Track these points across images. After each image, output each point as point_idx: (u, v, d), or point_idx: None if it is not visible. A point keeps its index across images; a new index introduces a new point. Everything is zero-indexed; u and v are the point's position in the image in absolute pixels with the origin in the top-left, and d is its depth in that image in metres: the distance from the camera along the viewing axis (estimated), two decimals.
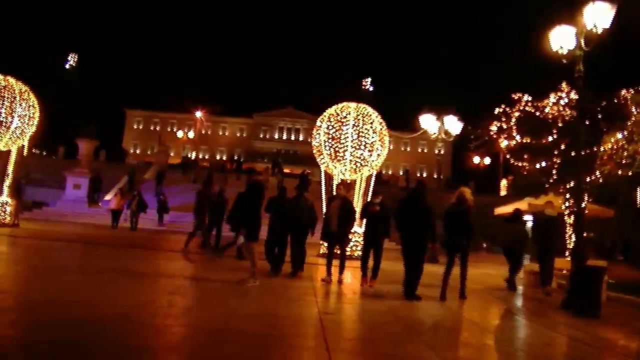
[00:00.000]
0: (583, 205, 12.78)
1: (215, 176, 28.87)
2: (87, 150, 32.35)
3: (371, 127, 17.10)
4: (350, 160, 17.00)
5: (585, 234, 13.01)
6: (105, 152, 44.60)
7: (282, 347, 5.68)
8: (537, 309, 10.53)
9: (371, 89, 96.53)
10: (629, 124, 14.27)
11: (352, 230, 16.08)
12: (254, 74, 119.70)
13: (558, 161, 14.31)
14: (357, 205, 16.59)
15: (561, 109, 14.44)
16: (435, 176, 74.96)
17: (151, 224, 25.17)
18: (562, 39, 11.21)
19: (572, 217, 14.24)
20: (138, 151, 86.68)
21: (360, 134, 16.92)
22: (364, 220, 11.31)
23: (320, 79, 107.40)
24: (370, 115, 17.37)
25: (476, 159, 46.38)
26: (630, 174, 14.70)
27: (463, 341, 6.91)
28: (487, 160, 46.63)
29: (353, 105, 17.62)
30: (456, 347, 6.51)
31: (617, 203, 19.59)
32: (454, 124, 23.16)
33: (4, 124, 18.95)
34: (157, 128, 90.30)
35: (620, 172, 14.73)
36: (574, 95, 14.04)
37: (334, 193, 12.75)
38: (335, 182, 16.55)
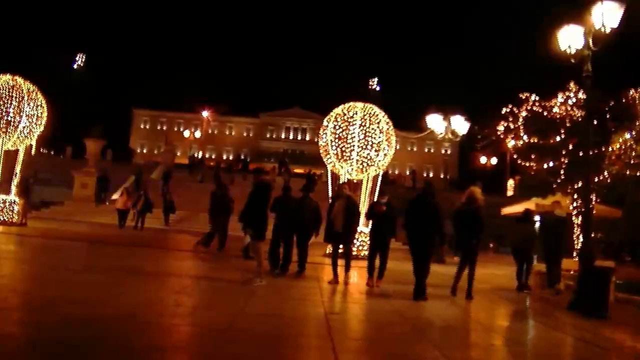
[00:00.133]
0: (591, 205, 12.71)
1: (222, 176, 28.90)
2: (95, 150, 32.47)
3: (378, 126, 17.06)
4: (357, 160, 16.97)
5: (592, 235, 12.94)
6: (112, 151, 44.77)
7: (288, 347, 5.67)
8: (545, 309, 10.48)
9: (378, 88, 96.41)
10: (638, 123, 14.21)
11: (358, 230, 16.11)
12: (260, 74, 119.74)
13: (566, 161, 14.26)
14: (364, 205, 16.58)
15: (569, 108, 14.38)
16: (442, 176, 74.96)
17: (157, 224, 25.17)
18: (570, 39, 11.16)
19: (580, 218, 14.17)
20: (145, 151, 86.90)
21: (367, 133, 16.88)
22: (370, 220, 11.27)
23: (326, 79, 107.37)
24: (377, 115, 17.33)
25: (483, 159, 46.28)
26: (638, 174, 14.63)
27: (470, 342, 6.89)
28: (494, 160, 46.51)
29: (360, 105, 17.58)
30: (463, 347, 6.48)
31: (625, 203, 19.51)
32: (460, 124, 23.05)
33: (12, 123, 19.05)
34: (164, 128, 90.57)
35: (628, 172, 14.67)
36: (582, 95, 13.98)
37: (338, 192, 12.65)
38: (341, 182, 16.50)
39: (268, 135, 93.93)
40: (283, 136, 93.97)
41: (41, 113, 19.82)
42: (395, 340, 6.45)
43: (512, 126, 15.19)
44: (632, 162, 14.43)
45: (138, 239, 18.51)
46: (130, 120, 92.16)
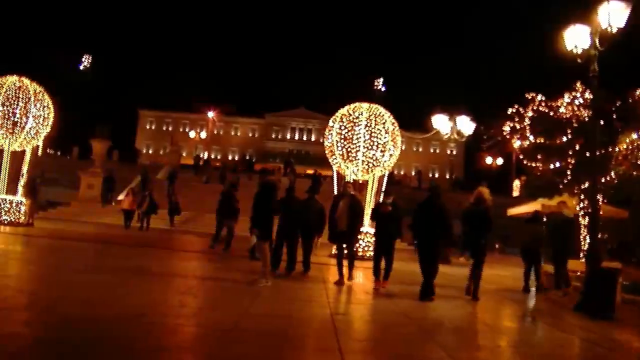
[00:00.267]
0: (597, 206, 12.66)
1: (228, 176, 28.98)
2: (101, 151, 32.59)
3: (383, 127, 17.03)
4: (363, 161, 16.94)
5: (599, 235, 12.88)
6: (118, 152, 44.94)
7: (294, 347, 5.67)
8: (551, 310, 10.45)
9: (383, 89, 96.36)
10: None
11: (364, 231, 16.10)
12: (265, 74, 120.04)
13: (572, 162, 14.20)
14: (369, 206, 16.55)
15: (575, 109, 14.32)
16: (447, 177, 74.84)
17: (162, 225, 25.19)
18: (576, 39, 11.11)
19: (587, 219, 14.11)
20: (150, 151, 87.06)
21: (373, 134, 16.86)
22: (375, 221, 11.24)
23: (331, 79, 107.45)
24: (383, 115, 17.30)
25: (489, 160, 46.20)
26: None
27: (476, 342, 6.86)
28: (500, 161, 46.42)
29: (365, 105, 17.56)
30: (469, 348, 6.46)
31: (632, 204, 19.39)
32: (466, 124, 23.03)
33: (18, 124, 19.14)
34: (170, 128, 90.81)
35: (635, 172, 14.59)
36: (588, 95, 13.93)
37: (342, 191, 12.63)
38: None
39: (273, 136, 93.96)
40: (288, 137, 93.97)
41: (48, 114, 19.90)
42: (401, 340, 6.44)
43: (518, 126, 15.15)
44: (638, 162, 14.36)
45: (143, 239, 18.55)
46: (136, 120, 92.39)
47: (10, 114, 19.01)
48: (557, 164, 14.75)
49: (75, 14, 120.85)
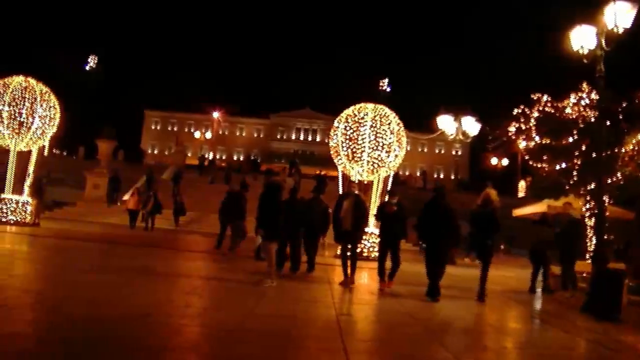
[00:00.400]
0: (604, 207, 12.61)
1: (233, 177, 28.96)
2: (106, 151, 32.66)
3: (389, 127, 17.02)
4: (368, 161, 16.93)
5: (605, 237, 12.83)
6: (123, 152, 45.06)
7: (298, 347, 5.67)
8: (557, 311, 10.40)
9: (389, 89, 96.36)
10: None
11: (369, 231, 16.08)
12: (270, 75, 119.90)
13: (578, 162, 14.14)
14: (375, 206, 16.52)
15: (581, 109, 14.26)
16: (452, 177, 74.76)
17: (167, 225, 25.22)
18: (582, 39, 11.09)
19: (593, 220, 14.05)
20: (156, 152, 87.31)
21: (378, 134, 16.85)
22: (380, 221, 11.21)
23: (336, 80, 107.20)
24: (388, 116, 17.29)
25: (494, 160, 46.08)
26: None
27: (481, 344, 6.85)
28: (505, 162, 46.29)
29: (371, 106, 17.55)
30: (474, 349, 6.44)
31: (638, 205, 19.28)
32: (471, 125, 22.95)
33: (25, 124, 19.20)
34: (175, 129, 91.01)
35: None
36: (594, 96, 13.86)
37: (346, 190, 12.59)
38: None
39: (278, 136, 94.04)
40: (293, 137, 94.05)
41: (54, 114, 19.95)
42: (406, 341, 6.43)
43: (523, 127, 15.09)
44: None
45: (148, 239, 18.59)
46: (141, 121, 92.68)
47: (17, 114, 19.08)
48: (563, 165, 14.68)
49: (82, 14, 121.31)
